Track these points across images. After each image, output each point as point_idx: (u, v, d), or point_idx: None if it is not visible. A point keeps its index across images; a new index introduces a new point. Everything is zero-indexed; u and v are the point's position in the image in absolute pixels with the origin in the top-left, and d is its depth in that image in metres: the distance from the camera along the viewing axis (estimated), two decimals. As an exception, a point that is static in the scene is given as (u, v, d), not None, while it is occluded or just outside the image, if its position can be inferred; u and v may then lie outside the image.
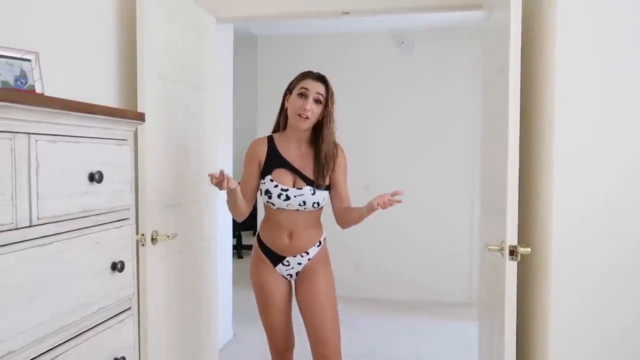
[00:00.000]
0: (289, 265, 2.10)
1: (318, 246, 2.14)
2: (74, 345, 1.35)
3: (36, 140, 1.22)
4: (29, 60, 1.52)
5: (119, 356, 1.53)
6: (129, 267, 1.58)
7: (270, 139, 2.12)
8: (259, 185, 2.10)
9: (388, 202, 1.89)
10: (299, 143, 2.09)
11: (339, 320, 2.12)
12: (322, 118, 2.04)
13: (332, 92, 2.06)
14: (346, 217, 2.11)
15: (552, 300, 1.89)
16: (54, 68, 1.75)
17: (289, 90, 2.08)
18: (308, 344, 2.12)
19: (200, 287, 2.61)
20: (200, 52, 2.59)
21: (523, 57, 1.92)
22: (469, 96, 4.54)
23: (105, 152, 1.49)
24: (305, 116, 1.99)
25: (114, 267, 1.50)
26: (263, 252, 2.12)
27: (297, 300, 2.15)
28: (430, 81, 4.63)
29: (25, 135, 1.20)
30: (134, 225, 1.66)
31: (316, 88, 2.01)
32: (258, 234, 2.18)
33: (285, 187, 2.02)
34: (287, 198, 2.02)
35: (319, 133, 2.06)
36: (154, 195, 2.14)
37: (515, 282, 1.89)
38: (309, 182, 2.04)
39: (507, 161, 1.88)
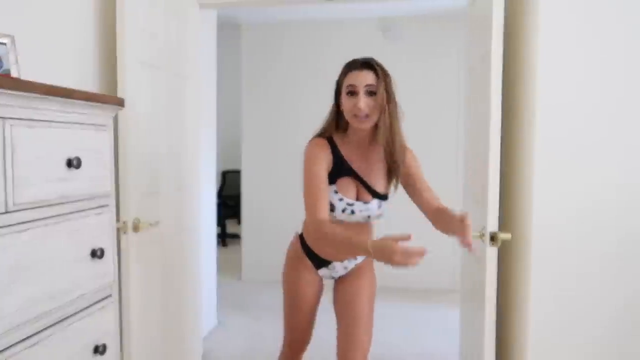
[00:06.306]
0: (334, 269, 1.95)
1: None
2: (54, 332, 1.34)
3: (11, 125, 1.20)
4: (4, 44, 1.49)
5: (100, 343, 1.52)
6: (109, 254, 1.57)
7: (331, 140, 1.81)
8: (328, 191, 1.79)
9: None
10: (361, 144, 1.81)
11: (372, 326, 1.94)
12: (380, 109, 1.71)
13: (384, 74, 1.72)
14: (437, 221, 1.76)
15: (531, 285, 1.92)
16: (31, 53, 1.72)
17: (338, 88, 1.79)
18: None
19: (184, 275, 2.60)
20: (182, 39, 2.56)
21: (507, 45, 1.93)
22: (454, 84, 4.55)
23: (83, 138, 1.47)
24: (363, 115, 1.69)
25: (93, 254, 1.49)
26: (306, 254, 1.95)
27: (335, 298, 1.98)
28: (416, 68, 4.63)
29: (0, 120, 1.17)
30: (114, 212, 1.64)
31: (364, 80, 1.69)
32: (302, 235, 1.98)
33: (350, 202, 1.78)
34: (352, 213, 1.79)
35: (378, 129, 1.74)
36: (135, 183, 2.11)
37: (496, 267, 1.91)
38: (374, 194, 1.81)
39: (489, 149, 1.90)
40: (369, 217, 1.82)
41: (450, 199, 4.52)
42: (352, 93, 1.71)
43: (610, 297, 1.88)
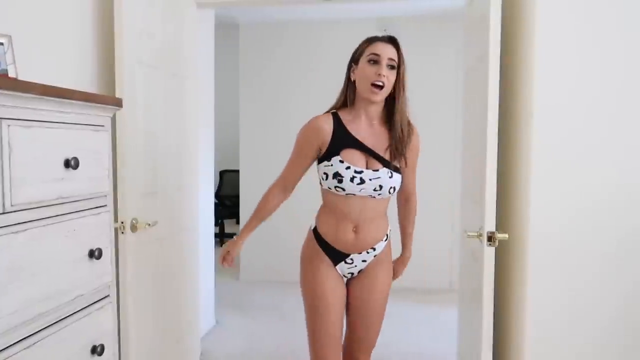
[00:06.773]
0: (352, 263, 1.86)
1: (385, 240, 1.91)
2: (51, 332, 1.34)
3: (8, 125, 1.19)
4: (2, 44, 1.49)
5: (97, 344, 1.52)
6: (107, 254, 1.57)
7: (335, 115, 1.84)
8: (304, 173, 1.90)
9: None
10: (370, 120, 1.84)
11: (382, 324, 1.98)
12: (394, 88, 1.79)
13: (403, 57, 1.80)
14: (401, 215, 2.05)
15: (529, 285, 1.93)
16: (28, 53, 1.71)
17: (354, 61, 1.82)
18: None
19: (182, 275, 2.60)
20: (180, 38, 2.55)
21: (504, 46, 1.93)
22: (452, 84, 4.56)
23: (81, 138, 1.46)
24: (380, 83, 1.74)
25: (91, 254, 1.48)
26: (322, 249, 1.87)
27: (349, 296, 1.94)
28: (414, 68, 4.61)
29: (-3, 120, 1.17)
30: (112, 213, 1.64)
31: (388, 52, 1.75)
32: (315, 229, 1.90)
33: (359, 169, 1.76)
34: (362, 182, 1.75)
35: (391, 107, 1.82)
36: (133, 183, 2.11)
37: (493, 267, 1.92)
38: (384, 163, 1.80)
39: (487, 149, 1.90)
40: (380, 187, 1.77)
41: (449, 199, 4.56)
42: (375, 62, 1.75)
43: (609, 297, 1.88)
